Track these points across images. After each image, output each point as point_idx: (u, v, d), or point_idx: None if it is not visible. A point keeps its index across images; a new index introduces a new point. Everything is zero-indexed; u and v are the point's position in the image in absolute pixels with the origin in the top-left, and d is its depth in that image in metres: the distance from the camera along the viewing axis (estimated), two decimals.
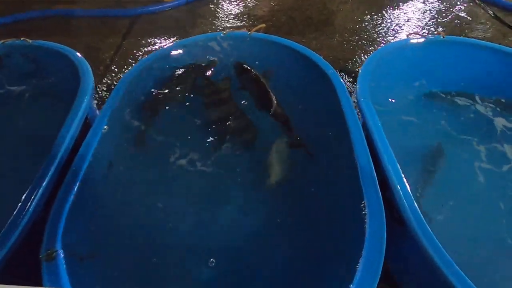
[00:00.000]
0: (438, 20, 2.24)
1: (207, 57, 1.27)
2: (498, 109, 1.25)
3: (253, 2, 2.36)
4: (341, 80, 1.04)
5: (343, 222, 0.79)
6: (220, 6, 2.34)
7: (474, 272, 0.65)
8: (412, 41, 1.20)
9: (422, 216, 0.70)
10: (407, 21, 2.25)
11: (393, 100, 1.19)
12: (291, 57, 1.17)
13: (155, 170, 1.00)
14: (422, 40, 1.20)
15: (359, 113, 0.99)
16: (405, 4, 2.42)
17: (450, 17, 2.28)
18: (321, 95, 1.05)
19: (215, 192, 0.96)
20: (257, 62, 1.23)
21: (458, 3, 2.39)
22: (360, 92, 1.01)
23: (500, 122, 1.19)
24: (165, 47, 1.25)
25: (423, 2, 2.43)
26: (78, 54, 1.17)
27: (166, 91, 1.19)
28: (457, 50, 1.22)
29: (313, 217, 0.88)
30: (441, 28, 2.17)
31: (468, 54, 1.22)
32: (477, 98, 1.27)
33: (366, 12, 2.35)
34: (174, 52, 1.23)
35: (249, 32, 1.25)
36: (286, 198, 0.95)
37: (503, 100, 1.25)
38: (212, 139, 1.07)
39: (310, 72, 1.12)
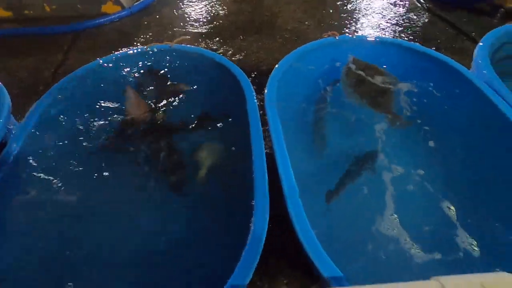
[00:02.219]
0: (381, 20, 2.33)
1: (132, 75, 1.29)
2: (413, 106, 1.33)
3: (197, 10, 2.40)
4: (251, 87, 1.10)
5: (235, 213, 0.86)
6: (164, 15, 2.36)
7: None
8: (316, 43, 1.27)
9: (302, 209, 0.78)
10: (348, 21, 2.37)
11: (302, 102, 1.25)
12: (207, 65, 1.22)
13: (67, 194, 1.02)
14: (321, 41, 1.27)
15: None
16: (348, 5, 2.54)
17: (391, 17, 2.41)
18: (231, 101, 1.11)
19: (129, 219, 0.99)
20: (177, 73, 1.28)
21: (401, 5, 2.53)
22: (267, 96, 1.07)
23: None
24: (80, 68, 1.25)
25: (366, 2, 2.54)
26: None
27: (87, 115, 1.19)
28: (357, 48, 1.30)
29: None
30: (382, 28, 2.27)
31: (365, 50, 1.30)
32: None
33: (307, 12, 2.44)
34: (93, 74, 1.24)
35: (171, 45, 1.30)
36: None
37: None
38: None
39: (223, 79, 1.18)
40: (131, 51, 1.26)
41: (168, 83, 1.25)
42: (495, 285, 0.58)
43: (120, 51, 1.38)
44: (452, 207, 1.02)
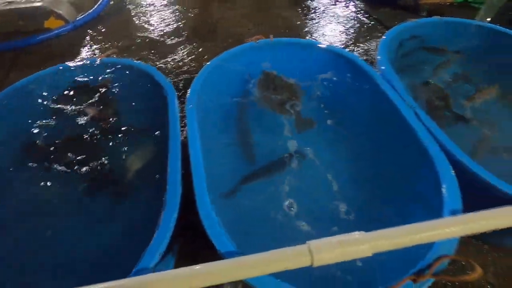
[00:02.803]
0: (319, 25, 2.49)
1: (58, 89, 1.33)
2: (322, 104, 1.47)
3: (142, 21, 2.46)
4: (175, 93, 1.19)
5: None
6: (108, 28, 2.40)
7: None
8: (238, 48, 1.38)
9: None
10: (290, 24, 2.52)
11: (225, 105, 1.36)
12: (135, 76, 1.30)
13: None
14: (243, 46, 1.39)
15: None
16: (288, 10, 2.70)
17: (331, 18, 2.58)
18: (158, 109, 1.18)
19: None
20: (105, 85, 1.34)
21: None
22: (188, 99, 1.17)
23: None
24: (8, 87, 1.27)
25: (307, 8, 2.70)
26: None
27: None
28: (275, 51, 1.43)
29: None
30: (321, 33, 2.44)
31: (281, 53, 1.44)
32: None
33: (250, 17, 2.58)
34: (18, 92, 1.27)
35: (101, 57, 1.36)
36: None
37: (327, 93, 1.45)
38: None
39: (149, 88, 1.26)
40: (59, 68, 1.32)
41: (97, 96, 1.31)
42: (347, 240, 0.71)
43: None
44: (348, 200, 1.15)
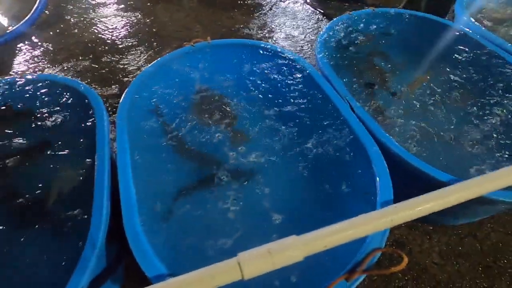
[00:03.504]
0: (269, 22, 2.48)
1: None
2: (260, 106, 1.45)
3: (79, 31, 2.30)
4: (103, 106, 1.12)
5: None
6: (41, 41, 2.21)
7: None
8: (179, 51, 1.33)
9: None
10: (238, 23, 2.47)
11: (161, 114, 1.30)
12: (60, 91, 1.22)
13: None
14: (179, 51, 1.34)
15: None
16: (237, 9, 2.66)
17: (280, 16, 2.58)
18: (84, 123, 1.12)
19: None
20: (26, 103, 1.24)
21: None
22: (119, 111, 1.10)
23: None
24: None
25: (257, 6, 2.69)
26: None
27: None
28: (212, 54, 1.38)
29: None
30: (269, 30, 2.44)
31: (219, 55, 1.40)
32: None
33: (198, 18, 2.51)
34: None
35: (20, 75, 1.25)
36: None
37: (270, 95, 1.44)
38: None
39: (75, 103, 1.18)
40: None
41: (19, 118, 1.21)
42: (277, 248, 0.70)
43: None
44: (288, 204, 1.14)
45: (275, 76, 1.41)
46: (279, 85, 1.39)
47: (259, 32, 2.36)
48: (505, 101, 1.40)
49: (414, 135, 1.32)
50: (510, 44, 1.49)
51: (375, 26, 1.66)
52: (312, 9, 2.60)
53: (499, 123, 1.36)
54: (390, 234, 1.24)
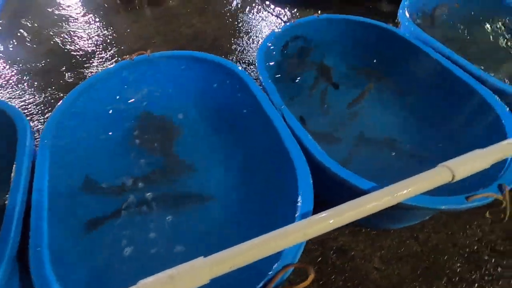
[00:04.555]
0: (229, 30, 2.47)
1: None
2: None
3: (29, 48, 2.26)
4: (28, 129, 1.08)
5: None
6: None
7: None
8: (116, 66, 1.32)
9: None
10: (197, 33, 2.44)
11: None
12: None
13: None
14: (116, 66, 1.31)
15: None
16: (198, 18, 2.61)
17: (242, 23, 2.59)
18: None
19: None
20: None
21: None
22: (42, 135, 1.07)
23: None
24: None
25: (218, 14, 2.66)
26: None
27: None
28: (153, 67, 1.38)
29: None
30: (230, 38, 2.41)
31: (160, 68, 1.39)
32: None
33: (157, 29, 2.47)
34: None
35: None
36: None
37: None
38: None
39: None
40: None
41: None
42: (180, 273, 0.68)
43: None
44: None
45: (217, 89, 1.41)
46: (218, 98, 1.38)
47: (217, 41, 2.35)
48: (446, 110, 1.42)
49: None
50: (455, 54, 1.44)
51: (320, 33, 1.68)
52: (276, 15, 2.62)
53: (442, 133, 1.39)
54: (333, 242, 1.24)
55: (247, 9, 2.68)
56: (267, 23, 2.55)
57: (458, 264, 1.19)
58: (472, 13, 1.94)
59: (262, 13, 2.65)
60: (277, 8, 2.65)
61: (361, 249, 1.24)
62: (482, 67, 1.57)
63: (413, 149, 1.35)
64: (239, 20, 2.58)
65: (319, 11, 2.58)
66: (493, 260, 1.21)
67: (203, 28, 2.51)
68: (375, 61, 1.64)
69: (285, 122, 1.11)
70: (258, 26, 2.53)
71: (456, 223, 1.31)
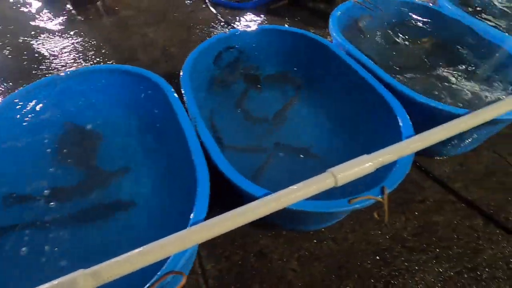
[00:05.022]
0: (182, 39, 2.49)
1: None
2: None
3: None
4: None
5: None
6: None
7: None
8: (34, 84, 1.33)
9: None
10: (148, 44, 2.45)
11: None
12: None
13: None
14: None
15: None
16: (151, 27, 2.62)
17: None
18: None
19: None
20: None
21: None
22: None
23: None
24: None
25: (172, 21, 2.67)
26: None
27: None
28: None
29: None
30: (183, 46, 2.41)
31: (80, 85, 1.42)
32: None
33: (109, 39, 2.46)
34: None
35: None
36: None
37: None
38: None
39: None
40: None
41: None
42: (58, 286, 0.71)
43: None
44: None
45: (142, 100, 1.44)
46: (143, 110, 1.42)
47: (169, 50, 2.37)
48: (358, 117, 1.50)
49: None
50: (372, 63, 1.49)
51: (253, 43, 1.73)
52: (231, 26, 2.67)
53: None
54: (254, 245, 1.29)
55: (203, 19, 2.72)
56: (221, 32, 2.62)
57: (369, 262, 1.27)
58: (394, 20, 2.04)
59: (219, 23, 2.70)
60: (233, 17, 2.71)
61: (280, 252, 1.29)
62: (400, 76, 1.67)
63: (325, 155, 1.42)
64: (193, 30, 2.62)
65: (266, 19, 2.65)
66: (402, 256, 1.29)
67: (155, 37, 2.54)
68: (303, 70, 1.72)
69: (196, 133, 1.16)
70: (211, 35, 2.58)
71: (372, 221, 1.39)
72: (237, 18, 2.71)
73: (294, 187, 0.93)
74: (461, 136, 1.41)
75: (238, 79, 1.68)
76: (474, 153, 1.70)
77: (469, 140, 1.51)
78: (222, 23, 2.66)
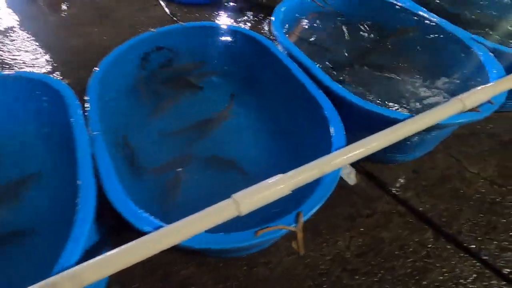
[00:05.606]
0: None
1: None
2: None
3: None
4: None
5: None
6: None
7: None
8: None
9: None
10: (90, 44, 2.20)
11: None
12: None
13: None
14: None
15: None
16: (94, 26, 2.40)
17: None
18: None
19: None
20: None
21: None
22: None
23: None
24: None
25: (115, 21, 2.46)
26: None
27: None
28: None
29: None
30: None
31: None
32: None
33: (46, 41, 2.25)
34: None
35: None
36: None
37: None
38: None
39: None
40: None
41: None
42: None
43: None
44: None
45: (47, 108, 1.25)
46: (50, 118, 1.23)
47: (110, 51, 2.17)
48: (293, 123, 1.35)
49: None
50: (315, 65, 1.35)
51: (184, 42, 1.55)
52: (176, 20, 2.47)
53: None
54: (176, 275, 1.13)
55: (155, 17, 2.52)
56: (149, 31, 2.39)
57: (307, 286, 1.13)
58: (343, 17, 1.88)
59: (171, 22, 2.49)
60: (187, 15, 2.52)
61: (204, 282, 1.13)
62: (347, 77, 1.53)
63: (254, 169, 1.25)
64: (141, 30, 2.41)
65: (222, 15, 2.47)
66: (343, 281, 1.15)
67: (98, 37, 2.33)
68: (243, 72, 1.55)
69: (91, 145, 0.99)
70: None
71: (313, 241, 1.25)
72: (192, 15, 2.52)
73: (192, 217, 0.77)
74: (407, 143, 1.29)
75: (168, 83, 1.49)
76: (429, 157, 1.58)
77: (417, 146, 1.38)
78: (174, 22, 2.48)
